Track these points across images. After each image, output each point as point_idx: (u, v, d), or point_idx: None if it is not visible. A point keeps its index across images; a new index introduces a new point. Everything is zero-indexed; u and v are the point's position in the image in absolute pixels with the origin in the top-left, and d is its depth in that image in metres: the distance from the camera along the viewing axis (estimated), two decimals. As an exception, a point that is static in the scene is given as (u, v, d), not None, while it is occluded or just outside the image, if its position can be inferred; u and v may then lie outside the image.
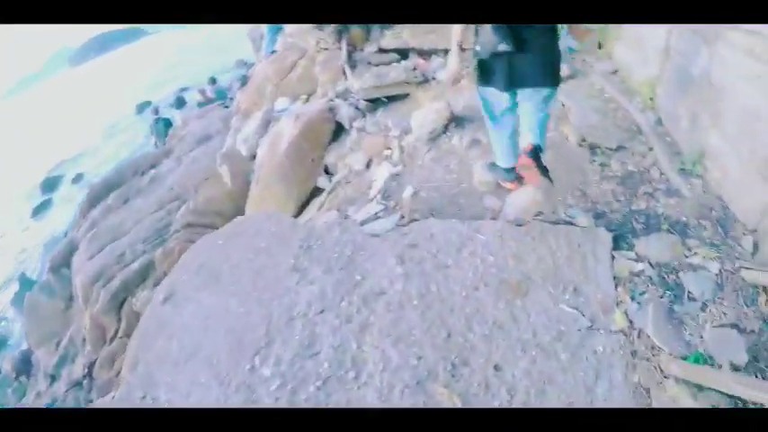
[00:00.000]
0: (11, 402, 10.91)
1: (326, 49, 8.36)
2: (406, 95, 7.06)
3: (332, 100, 7.37)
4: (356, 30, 8.08)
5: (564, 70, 5.73)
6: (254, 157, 8.33)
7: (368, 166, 6.20)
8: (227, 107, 11.87)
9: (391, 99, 7.12)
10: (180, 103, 14.13)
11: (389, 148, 6.02)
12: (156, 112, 13.98)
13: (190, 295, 3.99)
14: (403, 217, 4.45)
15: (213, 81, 14.88)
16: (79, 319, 9.57)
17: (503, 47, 3.22)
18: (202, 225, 8.57)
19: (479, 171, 4.57)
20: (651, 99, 5.11)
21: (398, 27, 7.90)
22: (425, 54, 7.79)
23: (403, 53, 7.91)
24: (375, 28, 8.16)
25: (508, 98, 3.60)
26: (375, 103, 7.14)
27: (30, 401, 10.29)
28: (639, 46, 5.47)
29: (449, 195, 4.60)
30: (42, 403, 9.79)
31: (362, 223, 4.55)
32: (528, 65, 3.33)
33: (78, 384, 9.27)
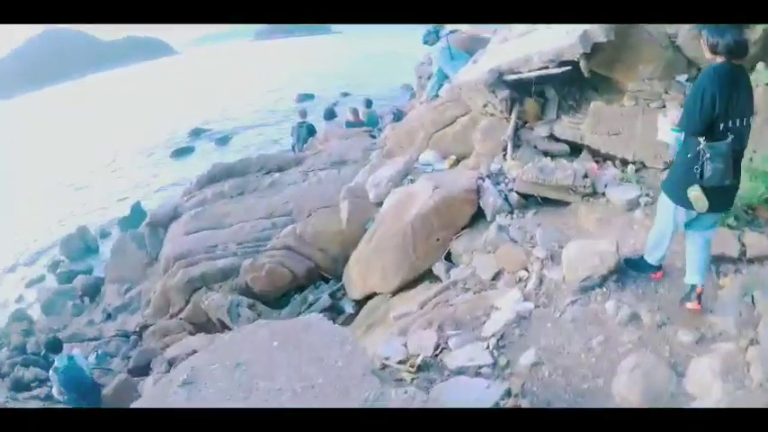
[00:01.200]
0: (63, 317, 11.82)
1: (493, 114, 7.34)
2: (566, 204, 5.89)
3: (481, 178, 6.36)
4: (532, 102, 7.01)
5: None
6: (380, 204, 7.49)
7: (495, 278, 5.16)
8: (373, 137, 11.15)
9: (548, 202, 6.01)
10: (329, 114, 13.55)
11: (527, 271, 4.92)
12: (304, 115, 13.54)
13: (213, 394, 3.05)
14: (510, 394, 3.35)
15: (369, 104, 14.23)
16: (154, 280, 9.71)
17: (728, 180, 3.45)
18: (301, 254, 8.03)
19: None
20: None
21: (579, 115, 6.72)
22: (600, 158, 6.62)
23: (576, 147, 6.76)
24: (551, 104, 7.02)
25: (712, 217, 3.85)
26: (528, 201, 6.06)
27: (80, 324, 10.95)
28: None
29: (577, 388, 3.44)
30: (88, 333, 10.27)
31: (456, 371, 3.70)
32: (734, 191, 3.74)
33: (126, 336, 9.65)
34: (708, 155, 3.39)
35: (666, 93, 6.24)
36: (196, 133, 28.40)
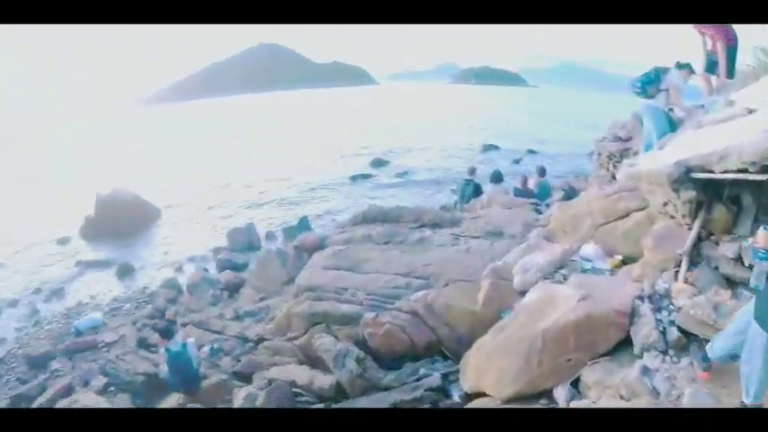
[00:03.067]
0: (201, 301, 13.21)
1: (673, 217, 6.11)
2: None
3: (640, 298, 5.26)
4: (723, 211, 5.65)
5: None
6: (523, 293, 6.62)
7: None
8: (538, 212, 10.16)
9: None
10: (496, 177, 12.72)
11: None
12: (472, 172, 12.88)
13: None
14: None
15: (542, 172, 12.94)
16: (285, 300, 10.12)
17: None
18: (426, 324, 7.42)
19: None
20: None
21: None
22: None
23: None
24: (746, 216, 5.62)
25: None
26: (689, 341, 4.84)
27: (211, 314, 11.96)
28: None
29: None
30: (214, 325, 11.10)
31: None
32: None
33: (244, 340, 10.28)
34: None
35: None
36: (377, 163, 29.68)
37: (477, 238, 9.21)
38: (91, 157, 40.87)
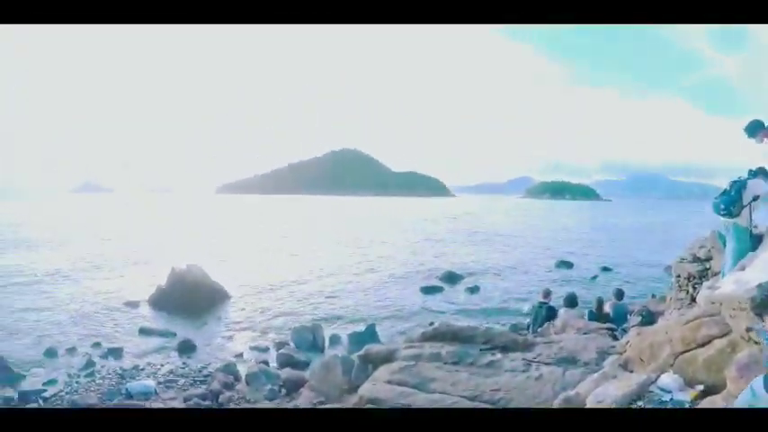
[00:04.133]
0: (257, 394, 13.17)
1: (757, 343, 5.79)
2: None
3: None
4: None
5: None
6: (597, 427, 6.28)
7: None
8: (614, 337, 9.81)
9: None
10: (571, 301, 12.38)
11: None
12: (547, 295, 12.63)
13: None
14: None
15: (619, 295, 12.56)
16: (344, 407, 9.67)
17: None
18: None
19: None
20: None
21: None
22: None
23: None
24: None
25: None
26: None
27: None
28: None
29: None
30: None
31: None
32: None
33: None
34: None
35: None
36: (449, 277, 29.63)
37: (549, 364, 8.92)
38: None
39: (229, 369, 15.22)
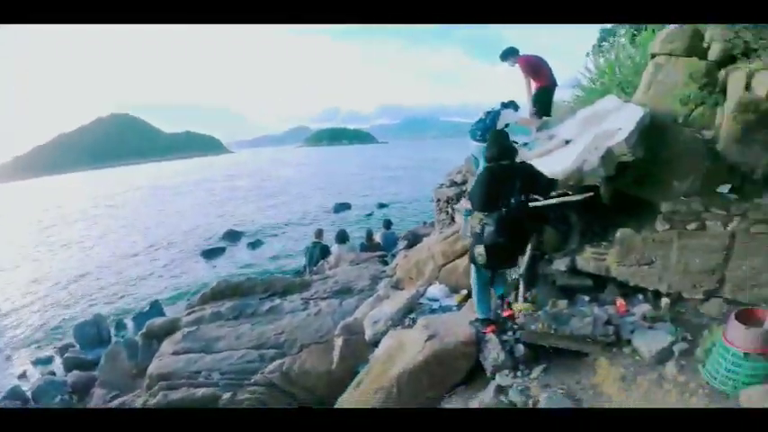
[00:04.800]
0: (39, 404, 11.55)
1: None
2: (584, 356, 4.75)
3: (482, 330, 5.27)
4: (551, 232, 6.05)
5: None
6: (376, 345, 6.42)
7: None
8: (384, 262, 10.16)
9: (562, 354, 4.84)
10: (341, 237, 12.53)
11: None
12: (319, 234, 12.67)
13: None
14: None
15: (388, 225, 13.18)
16: (138, 394, 9.06)
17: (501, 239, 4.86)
18: (285, 392, 7.13)
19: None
20: None
21: (605, 244, 5.69)
22: (626, 291, 5.55)
23: (599, 282, 5.70)
24: (574, 233, 5.98)
25: None
26: (537, 353, 4.92)
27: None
28: None
29: None
30: None
31: None
32: None
33: None
34: (486, 222, 4.84)
35: (707, 210, 5.15)
36: (231, 235, 28.07)
37: (327, 298, 9.00)
38: None
39: (14, 393, 12.84)
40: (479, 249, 4.88)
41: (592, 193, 5.45)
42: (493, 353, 4.92)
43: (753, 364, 3.84)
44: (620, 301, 5.35)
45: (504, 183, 4.84)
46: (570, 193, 5.48)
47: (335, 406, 6.02)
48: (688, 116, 6.26)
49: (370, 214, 31.28)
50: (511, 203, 4.80)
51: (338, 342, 7.09)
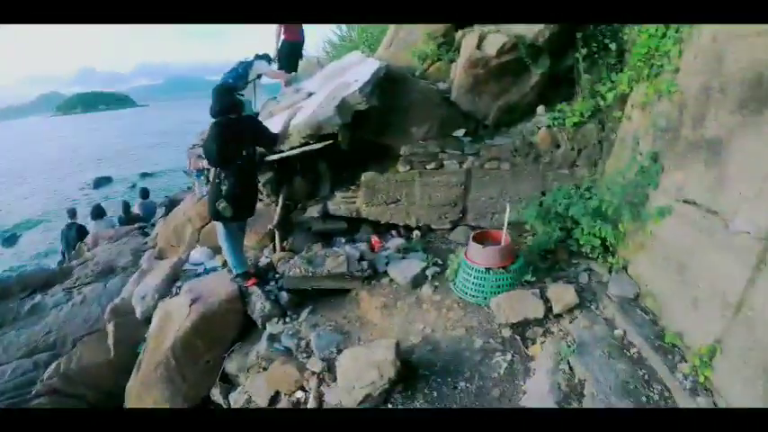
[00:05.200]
0: None
1: (261, 200, 6.46)
2: (346, 292, 5.15)
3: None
4: (302, 183, 6.31)
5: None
6: (149, 321, 6.22)
7: (272, 403, 4.26)
8: (145, 234, 9.68)
9: (326, 294, 5.21)
10: (96, 212, 11.27)
11: (304, 390, 4.04)
12: (73, 214, 11.33)
13: None
14: None
15: (144, 194, 12.50)
16: None
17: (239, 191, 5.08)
18: (72, 396, 6.43)
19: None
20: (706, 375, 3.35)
21: (354, 187, 6.17)
22: (380, 229, 6.13)
23: (354, 223, 6.19)
24: (324, 180, 6.35)
25: None
26: (302, 297, 5.23)
27: None
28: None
29: None
30: None
31: None
32: None
33: None
34: (223, 175, 4.98)
35: (443, 151, 5.88)
36: None
37: (89, 283, 8.36)
38: None
39: None
40: (223, 204, 4.98)
41: (331, 141, 5.77)
42: (258, 304, 5.11)
43: (495, 276, 4.65)
44: (374, 239, 5.90)
45: (234, 136, 4.98)
46: (312, 142, 5.75)
47: (125, 396, 5.75)
48: (425, 71, 6.92)
49: (133, 186, 29.18)
50: (243, 156, 5.01)
51: (110, 328, 6.64)
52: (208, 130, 5.05)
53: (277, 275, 5.44)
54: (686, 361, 3.57)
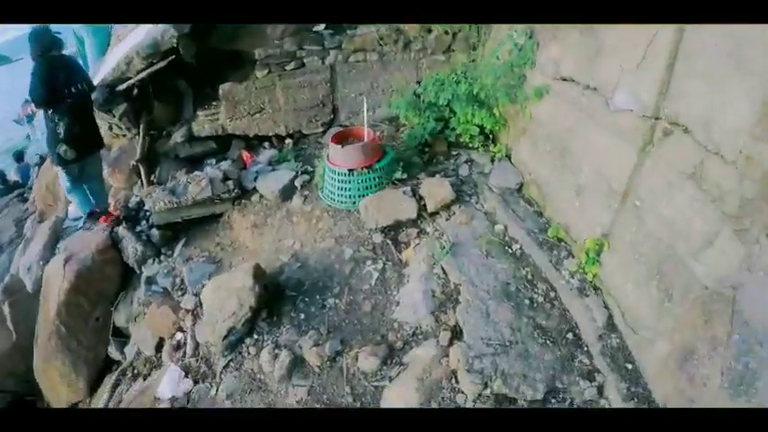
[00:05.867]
0: None
1: (124, 136, 6.01)
2: (218, 216, 4.92)
3: (113, 227, 5.08)
4: (162, 108, 5.82)
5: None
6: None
7: (158, 349, 4.08)
8: (26, 200, 8.96)
9: (197, 223, 4.96)
10: None
11: (182, 331, 3.89)
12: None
13: None
14: None
15: (18, 157, 11.51)
16: None
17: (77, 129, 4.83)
18: None
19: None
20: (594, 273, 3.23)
21: (215, 103, 5.71)
22: (252, 143, 5.81)
23: (223, 142, 5.81)
24: (187, 100, 5.91)
25: None
26: (175, 230, 4.98)
27: None
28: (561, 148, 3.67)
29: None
30: None
31: None
32: None
33: None
34: (57, 117, 4.66)
35: (302, 48, 5.44)
36: None
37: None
38: None
39: None
40: (64, 147, 4.72)
41: (174, 56, 5.27)
42: (130, 248, 4.82)
43: (359, 177, 4.37)
44: (245, 154, 5.57)
45: (60, 72, 4.69)
46: (155, 61, 5.28)
47: (37, 378, 5.52)
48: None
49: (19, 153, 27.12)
50: (74, 93, 4.74)
51: (5, 309, 6.28)
52: (31, 73, 4.62)
53: (148, 213, 5.11)
54: (573, 257, 3.43)
